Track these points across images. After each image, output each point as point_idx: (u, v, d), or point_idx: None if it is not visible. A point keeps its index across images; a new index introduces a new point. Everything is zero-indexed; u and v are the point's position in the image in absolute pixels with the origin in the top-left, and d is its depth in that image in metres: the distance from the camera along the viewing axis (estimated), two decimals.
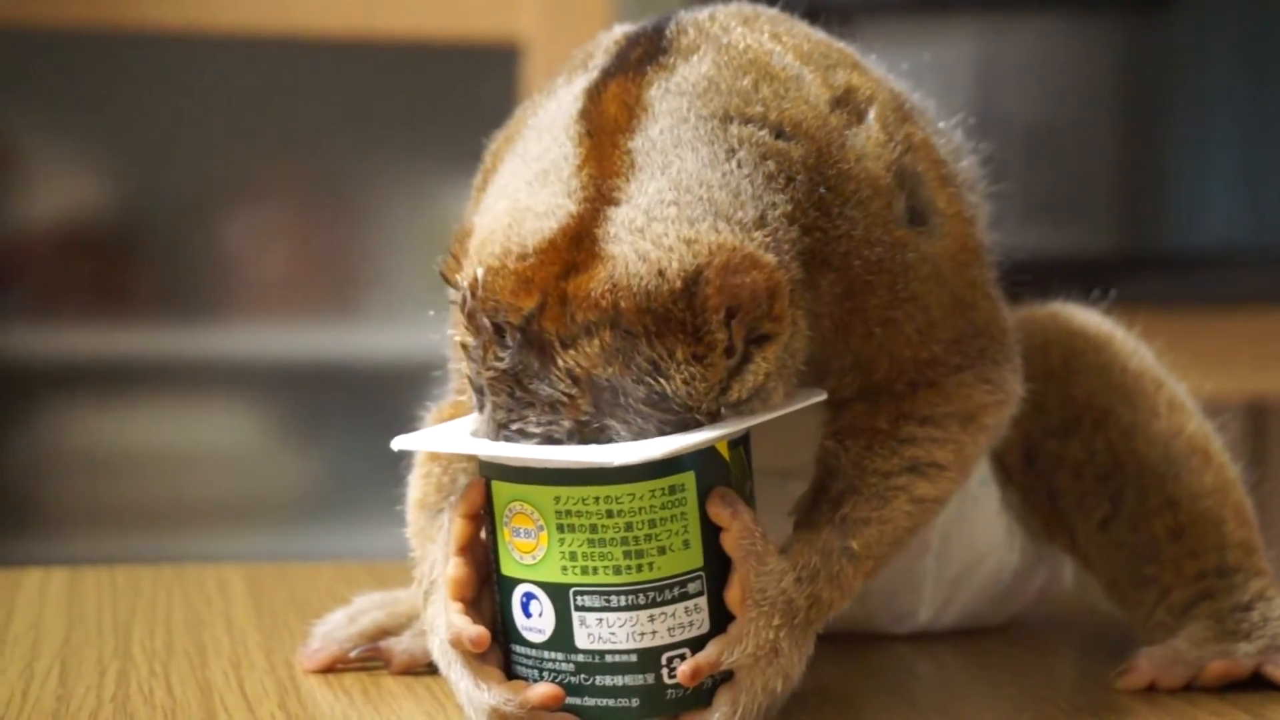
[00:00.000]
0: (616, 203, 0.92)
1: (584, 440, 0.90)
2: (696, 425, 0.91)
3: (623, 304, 0.89)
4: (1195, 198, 2.29)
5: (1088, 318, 1.19)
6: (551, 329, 0.90)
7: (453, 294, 0.95)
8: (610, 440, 0.90)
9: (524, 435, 0.91)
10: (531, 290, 0.90)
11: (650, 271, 0.89)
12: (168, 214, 2.52)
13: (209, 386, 2.50)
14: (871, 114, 1.01)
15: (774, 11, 1.05)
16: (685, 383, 0.90)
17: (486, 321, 0.91)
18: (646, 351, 0.89)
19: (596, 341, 0.89)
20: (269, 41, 2.41)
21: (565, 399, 0.90)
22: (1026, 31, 2.30)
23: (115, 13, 2.31)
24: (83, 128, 2.48)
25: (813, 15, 1.09)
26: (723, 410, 0.91)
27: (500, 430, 0.91)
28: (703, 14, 1.03)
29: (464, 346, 0.93)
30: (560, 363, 0.90)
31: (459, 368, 0.95)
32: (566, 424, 0.90)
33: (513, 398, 0.91)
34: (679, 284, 0.89)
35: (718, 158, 0.94)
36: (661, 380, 0.90)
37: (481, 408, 0.93)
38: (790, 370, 0.94)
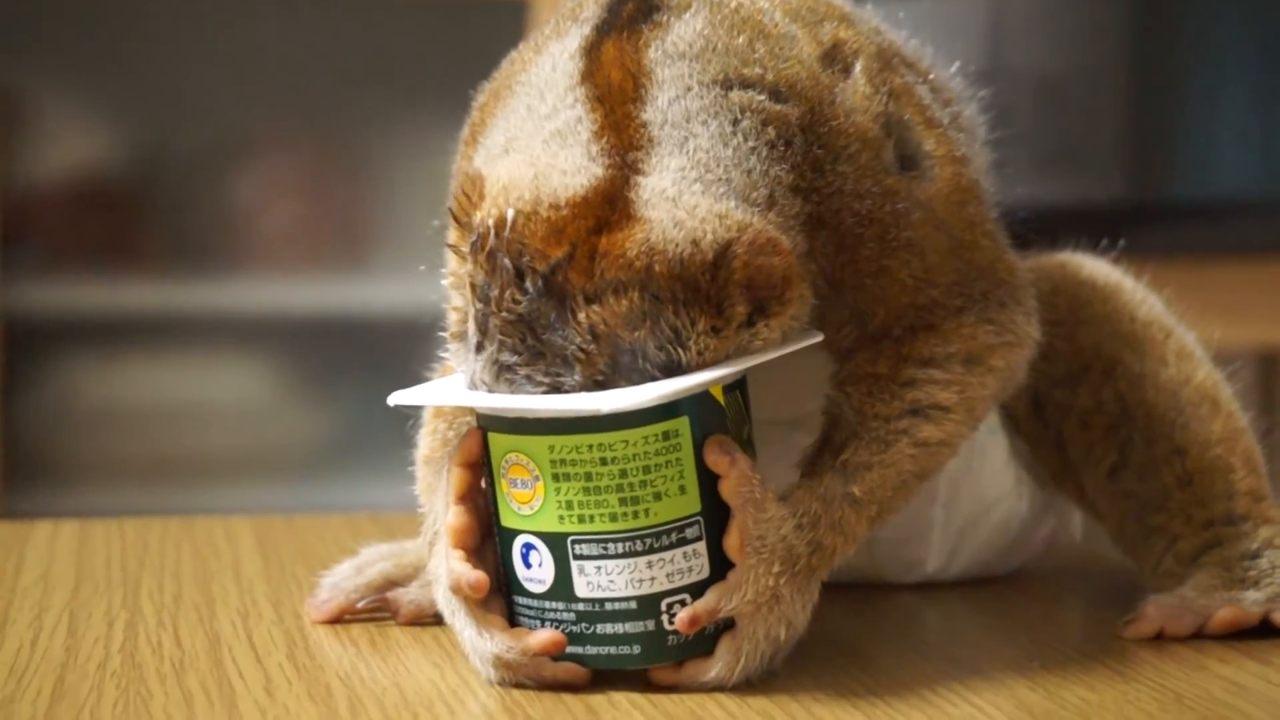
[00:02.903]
0: (643, 173, 0.93)
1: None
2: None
3: (657, 268, 0.89)
4: (1205, 147, 2.28)
5: (1096, 267, 1.18)
6: (577, 282, 0.90)
7: (454, 236, 0.95)
8: None
9: (530, 383, 0.91)
10: (562, 240, 0.90)
11: (685, 239, 0.90)
12: (178, 168, 2.52)
13: (219, 341, 2.51)
14: (858, 67, 1.01)
15: None
16: (699, 353, 0.90)
17: (508, 263, 0.91)
18: (671, 319, 0.90)
19: (625, 301, 0.89)
20: None
21: (581, 354, 0.90)
22: None
23: None
24: (93, 83, 2.48)
25: None
26: None
27: (502, 373, 0.91)
28: None
29: (474, 286, 0.92)
30: (581, 317, 0.90)
31: (458, 306, 0.95)
32: (578, 378, 0.90)
33: (523, 343, 0.91)
34: (710, 255, 0.90)
35: (725, 131, 0.95)
36: (680, 350, 0.90)
37: (480, 349, 0.92)
38: (791, 332, 0.95)
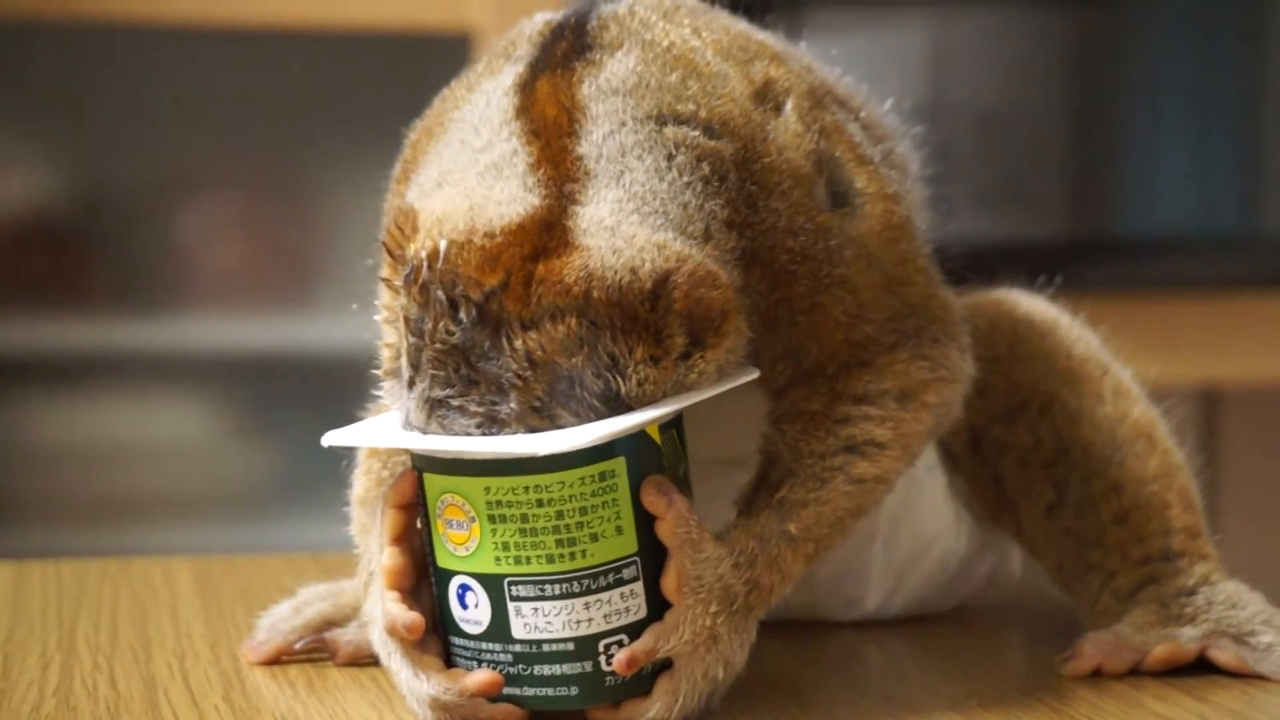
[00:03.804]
0: (580, 203, 0.93)
1: (526, 424, 0.90)
2: (625, 410, 0.90)
3: (595, 294, 0.89)
4: (1145, 184, 2.29)
5: (1033, 304, 1.19)
6: (512, 309, 0.90)
7: (387, 270, 0.95)
8: (554, 427, 0.90)
9: (462, 414, 0.90)
10: (497, 268, 0.90)
11: (624, 267, 0.90)
12: (122, 206, 2.51)
13: (162, 379, 2.50)
14: (789, 105, 1.01)
15: (692, 2, 1.06)
16: (639, 383, 0.90)
17: (441, 294, 0.91)
18: (609, 346, 0.90)
19: (562, 328, 0.89)
20: (222, 33, 2.40)
21: (518, 381, 0.89)
22: (978, 19, 2.31)
23: (68, 4, 2.30)
24: (36, 120, 2.47)
25: (764, 4, 1.09)
26: None
27: (434, 410, 0.91)
28: (622, 8, 1.03)
29: (408, 320, 0.92)
30: (518, 344, 0.89)
31: (391, 342, 0.95)
32: (513, 406, 0.90)
33: (456, 374, 0.90)
34: (649, 284, 0.90)
35: (661, 166, 0.95)
36: (618, 378, 0.90)
37: (411, 385, 0.92)
38: (728, 366, 0.95)
